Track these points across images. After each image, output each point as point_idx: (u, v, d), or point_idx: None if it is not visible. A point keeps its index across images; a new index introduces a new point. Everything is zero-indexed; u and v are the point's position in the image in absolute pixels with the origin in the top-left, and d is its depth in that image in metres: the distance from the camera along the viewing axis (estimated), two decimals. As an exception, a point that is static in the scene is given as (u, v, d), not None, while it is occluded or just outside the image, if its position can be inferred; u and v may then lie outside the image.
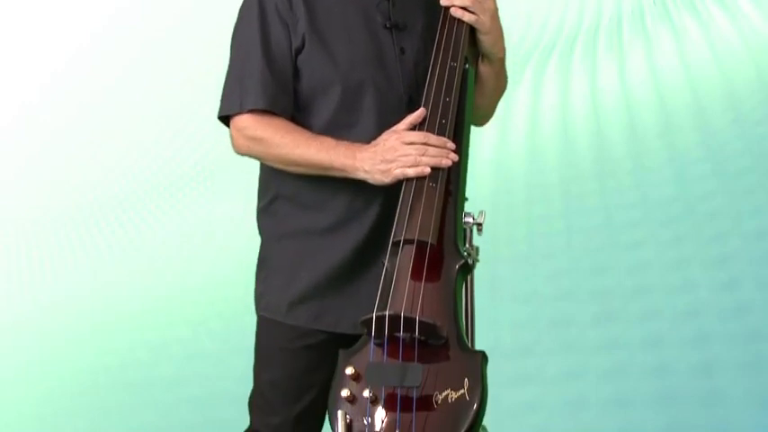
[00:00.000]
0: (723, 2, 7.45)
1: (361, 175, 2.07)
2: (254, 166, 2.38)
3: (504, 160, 5.96)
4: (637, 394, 3.51)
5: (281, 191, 2.22)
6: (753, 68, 6.23)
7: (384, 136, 2.07)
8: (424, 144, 2.03)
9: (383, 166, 2.04)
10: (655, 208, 4.87)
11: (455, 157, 2.04)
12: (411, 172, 2.02)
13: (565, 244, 4.77)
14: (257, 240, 2.37)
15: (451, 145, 2.06)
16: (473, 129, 2.30)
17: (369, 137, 2.13)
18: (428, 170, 2.02)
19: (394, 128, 2.08)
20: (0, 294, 6.56)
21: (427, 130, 2.06)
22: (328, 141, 2.09)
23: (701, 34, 7.11)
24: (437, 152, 2.03)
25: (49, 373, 4.99)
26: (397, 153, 2.03)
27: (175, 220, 7.06)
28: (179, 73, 9.35)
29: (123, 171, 8.44)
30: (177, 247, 6.53)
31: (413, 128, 2.08)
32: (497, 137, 6.27)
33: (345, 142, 2.08)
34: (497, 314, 4.06)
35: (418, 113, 2.08)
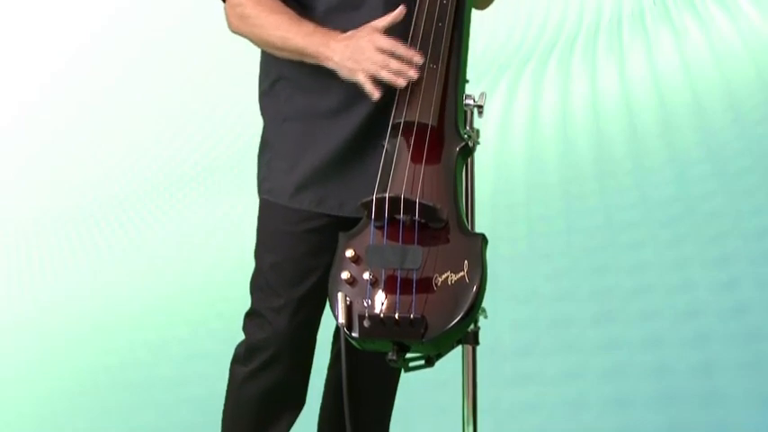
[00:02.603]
0: (723, 2, 7.45)
1: (331, 65, 2.05)
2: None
3: (504, 160, 5.96)
4: (637, 394, 3.50)
5: (282, 73, 2.22)
6: (753, 68, 6.23)
7: (360, 32, 2.05)
8: (391, 54, 2.01)
9: (350, 65, 2.02)
10: (655, 208, 4.87)
11: (413, 76, 2.01)
12: (369, 83, 2.00)
13: (565, 244, 4.77)
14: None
15: (418, 59, 2.02)
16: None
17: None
18: (402, 82, 1.98)
19: (373, 23, 2.06)
20: (0, 294, 6.55)
21: (425, 24, 2.05)
22: (306, 26, 2.08)
23: (701, 34, 7.11)
24: (398, 68, 2.00)
25: (49, 373, 4.98)
26: (364, 56, 2.01)
27: (175, 220, 7.06)
28: (179, 73, 9.35)
29: (123, 171, 8.44)
30: (177, 247, 6.53)
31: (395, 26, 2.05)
32: (497, 137, 6.27)
33: (324, 29, 2.07)
34: (497, 314, 4.05)
35: (397, 13, 2.05)
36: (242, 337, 2.37)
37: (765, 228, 4.40)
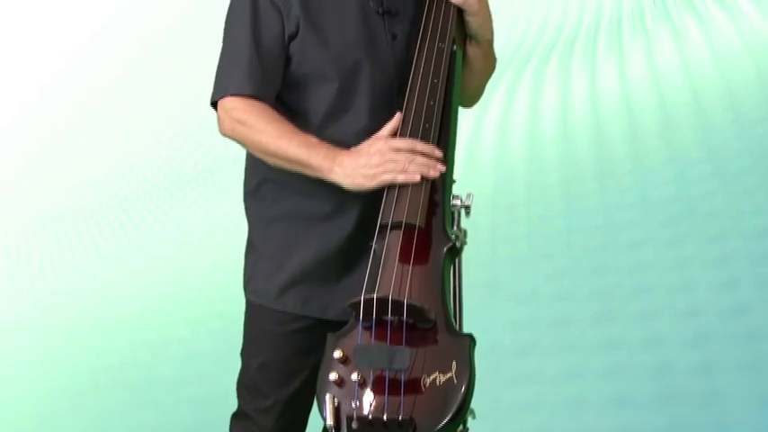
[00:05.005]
0: (723, 2, 7.46)
1: (335, 178, 2.03)
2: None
3: (504, 160, 5.96)
4: (637, 394, 3.51)
5: (269, 175, 2.20)
6: (753, 68, 6.23)
7: (369, 142, 2.05)
8: (412, 151, 2.02)
9: (368, 170, 2.01)
10: (655, 208, 4.87)
11: (442, 168, 2.03)
12: (401, 178, 2.00)
13: (565, 244, 4.77)
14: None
15: (439, 153, 2.04)
16: (474, 118, 2.28)
17: (361, 124, 2.13)
18: (418, 177, 2.00)
19: (376, 135, 2.06)
20: (0, 294, 6.56)
21: (412, 125, 2.05)
22: (311, 139, 2.06)
23: (701, 34, 7.11)
24: (425, 161, 2.01)
25: (49, 373, 4.99)
26: (385, 158, 2.01)
27: (175, 220, 7.06)
28: (179, 73, 9.35)
29: (123, 171, 8.44)
30: (177, 247, 6.53)
31: (395, 133, 2.06)
32: (497, 137, 6.27)
33: (328, 144, 2.06)
34: (497, 314, 4.06)
35: (397, 118, 2.07)
36: (239, 337, 2.37)
37: (765, 228, 4.40)
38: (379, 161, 2.01)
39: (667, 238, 4.56)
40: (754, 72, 6.16)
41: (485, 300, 3.99)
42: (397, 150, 2.01)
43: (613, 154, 5.70)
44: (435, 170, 2.02)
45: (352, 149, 2.05)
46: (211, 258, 5.94)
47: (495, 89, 7.03)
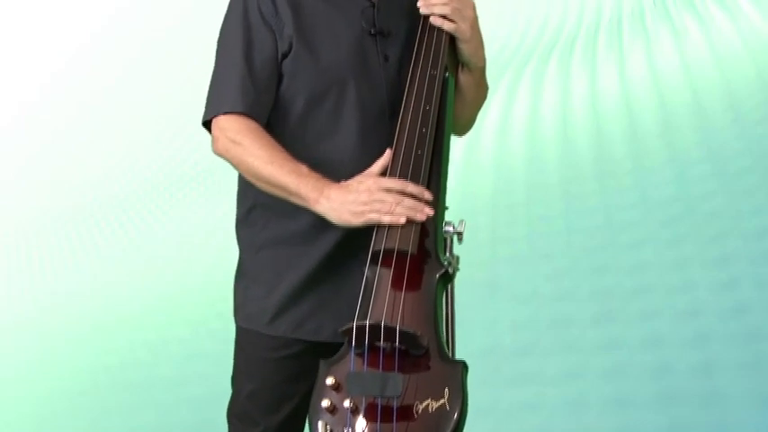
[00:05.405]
0: (723, 2, 7.46)
1: (321, 210, 2.02)
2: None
3: (504, 160, 5.97)
4: (637, 394, 3.51)
5: (259, 199, 2.19)
6: (753, 68, 6.24)
7: (359, 178, 2.03)
8: (401, 192, 2.00)
9: (356, 207, 1.99)
10: (655, 208, 4.87)
11: (430, 211, 2.01)
12: (386, 219, 1.98)
13: (565, 244, 4.77)
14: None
15: (428, 195, 2.02)
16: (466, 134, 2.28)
17: (350, 147, 2.12)
18: (403, 220, 1.98)
19: (367, 171, 2.05)
20: (0, 294, 6.56)
21: (404, 153, 2.04)
22: (302, 168, 2.04)
23: (701, 34, 7.11)
24: (413, 204, 1.99)
25: (49, 373, 4.99)
26: (374, 197, 1.99)
27: (175, 220, 7.07)
28: (179, 73, 9.35)
29: (123, 171, 8.44)
30: (177, 247, 6.54)
31: (385, 170, 2.05)
32: (497, 137, 6.28)
33: (318, 175, 2.04)
34: (497, 314, 4.06)
35: (387, 155, 2.05)
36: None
37: (765, 228, 4.40)
38: (366, 199, 1.99)
39: (667, 238, 4.57)
40: (754, 72, 6.16)
41: (485, 300, 4.00)
42: (387, 190, 2.00)
43: (613, 154, 5.70)
44: (422, 214, 1.99)
45: (342, 184, 2.03)
46: (211, 258, 5.94)
47: (495, 89, 7.02)
